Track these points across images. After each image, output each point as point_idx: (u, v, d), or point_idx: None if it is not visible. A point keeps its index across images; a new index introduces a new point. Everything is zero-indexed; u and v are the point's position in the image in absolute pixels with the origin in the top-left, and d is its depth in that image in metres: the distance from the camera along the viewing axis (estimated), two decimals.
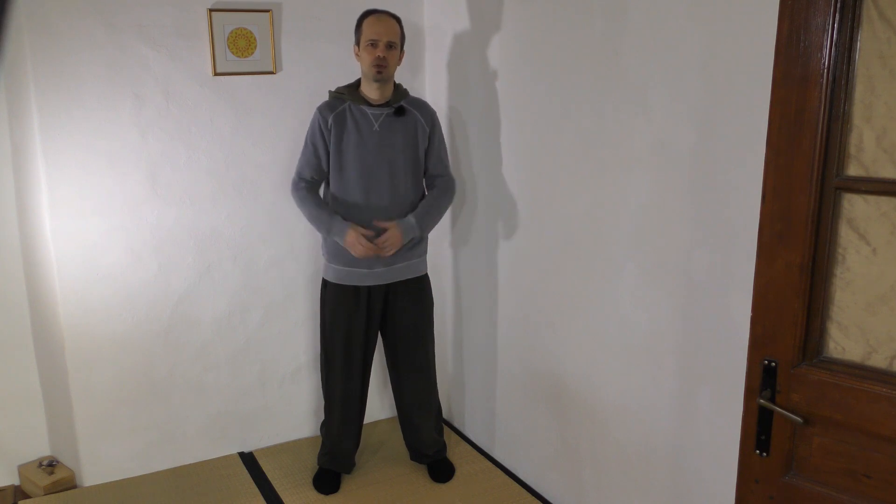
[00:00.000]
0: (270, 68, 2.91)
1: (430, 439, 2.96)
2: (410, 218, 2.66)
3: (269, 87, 2.92)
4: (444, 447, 3.01)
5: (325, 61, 2.99)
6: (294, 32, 2.93)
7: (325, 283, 2.78)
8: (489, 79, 2.82)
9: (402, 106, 2.66)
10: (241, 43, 2.84)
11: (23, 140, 2.70)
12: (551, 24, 2.45)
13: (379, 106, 2.63)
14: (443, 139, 2.79)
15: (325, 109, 2.64)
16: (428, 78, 3.23)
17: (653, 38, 2.06)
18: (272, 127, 2.97)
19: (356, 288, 2.71)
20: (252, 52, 2.87)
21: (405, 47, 2.69)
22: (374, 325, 2.80)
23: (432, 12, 3.15)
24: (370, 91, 2.62)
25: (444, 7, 3.06)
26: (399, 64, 2.64)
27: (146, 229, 2.82)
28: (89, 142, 2.67)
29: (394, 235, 2.61)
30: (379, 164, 2.63)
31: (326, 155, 2.65)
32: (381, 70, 2.53)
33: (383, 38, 2.52)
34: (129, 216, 2.78)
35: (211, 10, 2.76)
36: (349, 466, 2.94)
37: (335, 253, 2.69)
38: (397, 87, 2.68)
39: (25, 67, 2.56)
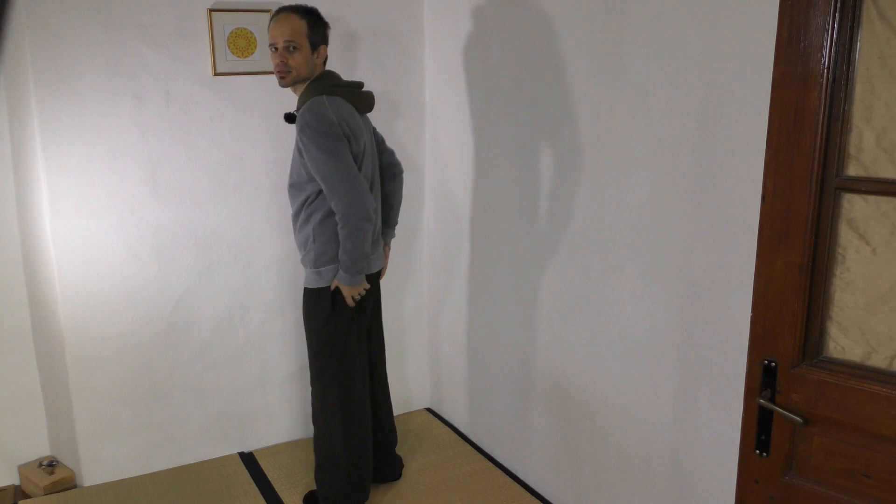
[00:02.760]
0: (270, 68, 2.90)
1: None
2: (340, 272, 2.42)
3: (269, 87, 2.92)
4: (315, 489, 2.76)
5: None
6: None
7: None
8: (489, 79, 2.82)
9: (292, 113, 2.45)
10: (241, 43, 2.84)
11: (23, 140, 2.70)
12: (551, 24, 2.45)
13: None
14: (311, 150, 2.30)
15: None
16: (428, 78, 3.23)
17: (653, 38, 2.06)
18: (272, 127, 2.96)
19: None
20: (252, 52, 2.87)
21: (325, 42, 2.44)
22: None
23: (432, 13, 3.15)
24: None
25: (444, 7, 3.06)
26: (320, 59, 2.42)
27: (146, 229, 2.82)
28: (89, 142, 2.67)
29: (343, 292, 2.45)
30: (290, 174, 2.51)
31: None
32: (283, 75, 2.36)
33: (279, 40, 2.32)
34: (129, 216, 2.78)
35: (211, 10, 2.76)
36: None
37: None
38: (308, 88, 2.39)
39: (25, 67, 2.57)
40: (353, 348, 2.56)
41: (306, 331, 2.61)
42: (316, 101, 2.34)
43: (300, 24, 2.34)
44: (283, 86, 2.42)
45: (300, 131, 2.31)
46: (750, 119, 1.77)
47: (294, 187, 2.47)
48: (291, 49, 2.33)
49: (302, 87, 2.43)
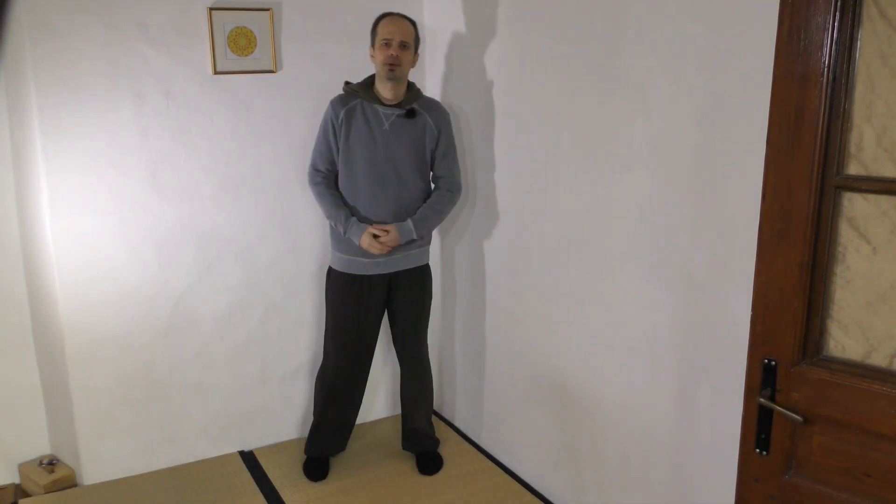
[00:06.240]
0: (270, 67, 2.91)
1: (421, 430, 3.05)
2: (409, 222, 2.74)
3: (270, 86, 2.92)
4: (435, 442, 3.10)
5: (325, 60, 2.99)
6: (294, 31, 2.93)
7: (329, 271, 2.87)
8: (489, 78, 2.82)
9: (414, 108, 2.72)
10: (242, 41, 2.84)
11: (23, 140, 2.69)
12: (551, 24, 2.45)
13: (391, 106, 2.69)
14: (452, 142, 2.83)
15: (337, 103, 2.73)
16: (428, 78, 3.23)
17: (653, 38, 2.06)
18: (272, 125, 2.97)
19: (359, 277, 2.78)
20: (252, 51, 2.87)
21: (419, 51, 2.76)
22: (376, 316, 2.87)
23: (432, 12, 3.15)
24: (384, 90, 2.68)
25: (444, 7, 3.06)
26: (413, 66, 2.72)
27: (146, 228, 2.82)
28: (89, 141, 2.67)
29: (391, 238, 2.70)
30: (386, 162, 2.70)
31: (337, 149, 2.74)
32: (394, 68, 2.61)
33: (396, 37, 2.61)
34: (129, 215, 2.78)
35: (211, 9, 2.75)
36: (337, 449, 3.06)
37: (339, 241, 2.78)
38: (410, 87, 2.75)
39: (25, 67, 2.56)
40: None
41: (424, 312, 2.97)
42: (437, 101, 2.87)
43: (411, 29, 2.68)
44: (392, 78, 2.64)
45: (446, 123, 2.79)
46: (750, 118, 1.77)
47: (420, 173, 2.78)
48: (404, 47, 2.63)
49: (399, 85, 2.68)
